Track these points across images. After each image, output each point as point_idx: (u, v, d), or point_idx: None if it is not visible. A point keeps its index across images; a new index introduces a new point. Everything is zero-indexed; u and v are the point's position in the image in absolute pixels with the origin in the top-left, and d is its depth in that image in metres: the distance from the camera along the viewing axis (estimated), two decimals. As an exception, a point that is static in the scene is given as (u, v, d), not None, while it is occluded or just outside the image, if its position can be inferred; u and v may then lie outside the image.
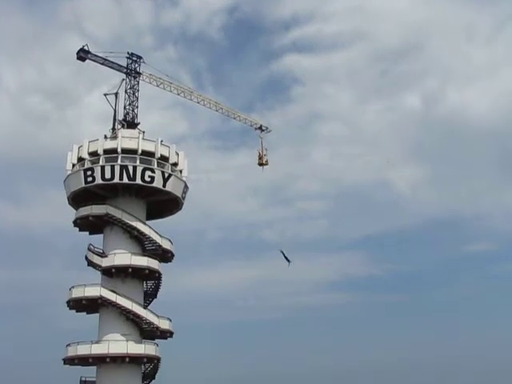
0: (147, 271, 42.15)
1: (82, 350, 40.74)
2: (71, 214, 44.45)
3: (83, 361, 41.18)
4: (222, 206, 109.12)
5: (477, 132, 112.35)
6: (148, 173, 42.27)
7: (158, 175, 42.72)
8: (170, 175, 43.54)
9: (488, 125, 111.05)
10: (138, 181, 41.73)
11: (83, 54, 44.21)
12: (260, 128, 48.49)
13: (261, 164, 47.13)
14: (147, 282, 44.34)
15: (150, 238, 43.35)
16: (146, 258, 42.35)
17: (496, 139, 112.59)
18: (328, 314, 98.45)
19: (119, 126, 45.04)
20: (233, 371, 79.25)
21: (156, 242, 43.69)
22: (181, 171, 45.57)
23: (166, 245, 44.50)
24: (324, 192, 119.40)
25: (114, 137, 43.92)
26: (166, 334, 43.75)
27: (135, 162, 42.30)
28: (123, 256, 41.92)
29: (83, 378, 41.79)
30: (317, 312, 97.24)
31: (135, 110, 45.83)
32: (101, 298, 40.76)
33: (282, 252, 41.70)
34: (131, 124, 45.61)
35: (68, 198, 44.28)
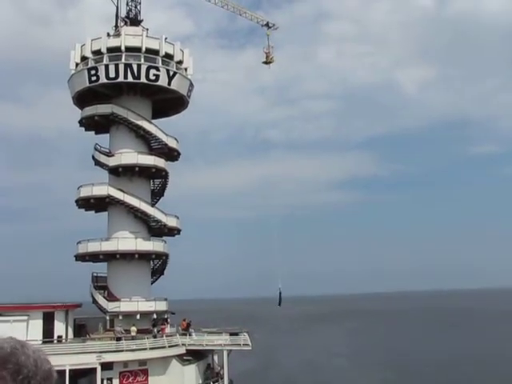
0: (154, 170, 47.57)
1: (93, 247, 47.31)
2: (77, 114, 50.12)
3: (94, 257, 47.60)
4: (228, 105, 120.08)
5: (488, 32, 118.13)
6: (153, 71, 47.03)
7: (162, 73, 47.35)
8: (174, 73, 48.33)
9: (500, 25, 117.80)
10: (143, 79, 46.32)
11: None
12: (267, 25, 53.42)
13: (267, 62, 51.62)
14: (154, 180, 49.88)
15: (155, 136, 48.62)
16: (152, 157, 47.70)
17: (508, 40, 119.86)
18: (332, 213, 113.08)
19: (122, 24, 50.00)
20: (237, 266, 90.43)
21: (162, 141, 49.08)
22: (186, 69, 50.37)
23: (172, 143, 50.00)
24: (330, 92, 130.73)
25: (117, 34, 48.54)
26: (173, 231, 49.74)
27: (139, 60, 46.71)
28: (130, 155, 47.32)
29: (95, 274, 48.66)
30: (318, 211, 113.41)
31: (138, 7, 50.94)
32: (108, 196, 46.47)
33: (280, 293, 44.58)
34: (134, 21, 50.52)
35: (73, 98, 49.54)
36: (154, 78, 47.26)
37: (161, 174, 49.44)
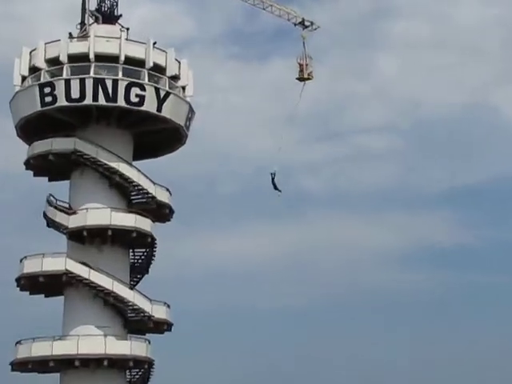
0: (135, 235, 41.61)
1: (40, 349, 40.58)
2: (22, 151, 44.00)
3: (41, 366, 41.16)
4: (245, 141, 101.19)
5: None
6: (135, 90, 41.38)
7: (149, 93, 41.79)
8: (167, 94, 42.18)
9: None
10: (121, 102, 41.10)
11: None
12: (302, 24, 47.09)
13: (302, 78, 45.29)
14: (135, 250, 44.25)
15: (138, 186, 42.62)
16: (132, 216, 41.93)
17: None
18: (395, 301, 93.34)
19: (91, 21, 44.14)
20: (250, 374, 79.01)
21: (147, 193, 42.87)
22: (184, 88, 44.21)
23: (162, 196, 43.64)
24: (394, 122, 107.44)
25: (84, 36, 42.66)
26: (161, 327, 43.79)
27: (116, 74, 41.41)
28: (100, 212, 41.69)
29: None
30: (377, 298, 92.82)
31: (114, -2, 45.65)
32: (67, 273, 40.48)
33: (273, 177, 43.41)
34: (109, 17, 44.66)
35: (16, 128, 43.51)
36: (136, 100, 41.43)
37: (145, 241, 42.77)
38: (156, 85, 42.28)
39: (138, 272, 44.44)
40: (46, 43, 42.75)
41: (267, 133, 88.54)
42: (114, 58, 41.87)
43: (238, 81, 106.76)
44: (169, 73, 43.47)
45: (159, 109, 42.19)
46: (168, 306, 44.05)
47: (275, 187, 43.54)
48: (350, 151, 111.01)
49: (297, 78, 45.49)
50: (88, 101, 40.81)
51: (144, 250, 44.24)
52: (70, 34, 43.55)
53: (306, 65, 45.46)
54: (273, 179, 43.26)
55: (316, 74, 46.12)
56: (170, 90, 42.93)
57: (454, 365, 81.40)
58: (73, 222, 41.63)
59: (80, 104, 41.11)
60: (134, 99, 41.43)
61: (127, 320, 42.32)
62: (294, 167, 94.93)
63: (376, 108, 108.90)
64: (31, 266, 41.43)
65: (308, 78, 45.40)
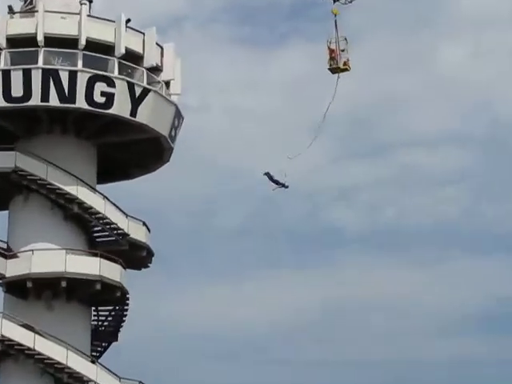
0: (99, 287, 36.97)
1: None
2: None
3: None
4: (251, 157, 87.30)
5: None
6: (101, 86, 36.97)
7: (120, 91, 37.27)
8: (145, 91, 37.97)
9: None
10: (81, 103, 36.72)
11: None
12: None
13: (335, 69, 37.68)
14: (99, 308, 40.03)
15: (104, 218, 38.18)
16: (96, 261, 37.36)
17: None
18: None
19: None
20: None
21: (117, 228, 38.30)
22: (168, 84, 40.02)
23: (137, 233, 39.11)
24: (457, 131, 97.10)
25: (30, 11, 39.13)
26: None
27: (74, 64, 37.16)
28: (50, 256, 37.40)
29: None
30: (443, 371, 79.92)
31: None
32: (2, 340, 35.88)
33: (270, 176, 39.24)
34: None
35: None
36: (102, 100, 37.13)
37: (113, 296, 38.27)
38: (129, 79, 37.80)
39: (102, 338, 40.41)
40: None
41: (283, 146, 74.94)
42: (71, 42, 37.77)
43: (243, 74, 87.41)
44: (147, 62, 39.35)
45: (134, 112, 37.59)
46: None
47: (278, 183, 38.93)
48: (396, 171, 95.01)
49: (329, 69, 37.86)
50: (35, 101, 36.77)
51: (112, 308, 39.67)
52: (10, 7, 39.92)
53: (341, 51, 37.63)
54: (271, 178, 38.32)
55: (353, 63, 38.13)
56: (149, 87, 38.35)
57: None
58: (12, 268, 37.15)
59: (24, 105, 37.18)
60: (98, 99, 37.10)
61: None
62: (320, 193, 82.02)
63: (434, 111, 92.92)
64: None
65: (344, 69, 37.68)
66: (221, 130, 78.70)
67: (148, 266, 40.78)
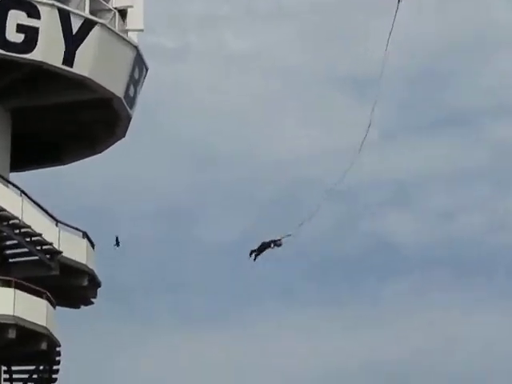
0: (12, 334, 28.06)
1: None
2: None
3: None
4: (261, 132, 73.98)
5: None
6: (18, 16, 28.74)
7: (48, 24, 29.05)
8: (88, 25, 29.52)
9: None
10: None
11: None
12: None
13: None
14: (12, 368, 30.85)
15: (21, 227, 29.25)
16: (9, 293, 28.71)
17: None
18: None
19: None
20: None
21: (41, 242, 29.06)
22: (123, 14, 31.36)
23: (73, 251, 29.53)
24: None
25: None
26: None
27: None
28: None
29: None
30: None
31: None
32: None
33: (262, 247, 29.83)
34: None
35: None
36: (19, 38, 29.19)
37: (35, 349, 29.62)
38: (63, 5, 29.09)
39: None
40: None
41: (313, 115, 58.83)
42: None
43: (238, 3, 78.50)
44: (88, -17, 33.40)
45: (69, 59, 29.14)
46: None
47: (269, 245, 27.93)
48: (489, 154, 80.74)
49: None
50: None
51: (34, 367, 30.39)
52: None
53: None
54: (261, 249, 27.57)
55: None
56: (94, 18, 29.59)
57: None
58: None
59: None
60: (13, 37, 28.75)
61: None
62: (372, 186, 65.46)
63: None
64: None
65: None
66: (209, 86, 60.24)
67: (92, 303, 30.87)
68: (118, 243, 32.32)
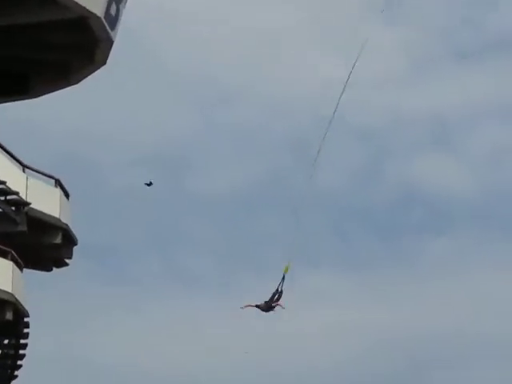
0: None
1: None
2: None
3: None
4: (258, 66, 72.02)
5: None
6: None
7: None
8: None
9: None
10: None
11: None
12: None
13: None
14: None
15: None
16: None
17: None
18: None
19: None
20: None
21: (6, 191, 26.51)
22: None
23: (44, 202, 26.89)
24: None
25: None
26: None
27: None
28: None
29: None
30: None
31: None
32: None
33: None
34: None
35: None
36: None
37: (4, 324, 27.48)
38: None
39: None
40: None
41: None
42: None
43: None
44: None
45: None
46: None
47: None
48: None
49: None
50: None
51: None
52: None
53: None
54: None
55: None
56: None
57: None
58: None
59: None
60: None
61: None
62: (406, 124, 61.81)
63: None
64: None
65: None
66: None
67: (66, 264, 27.92)
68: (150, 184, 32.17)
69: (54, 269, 27.63)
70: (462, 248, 55.36)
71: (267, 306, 23.21)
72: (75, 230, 26.36)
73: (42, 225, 25.98)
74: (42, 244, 26.60)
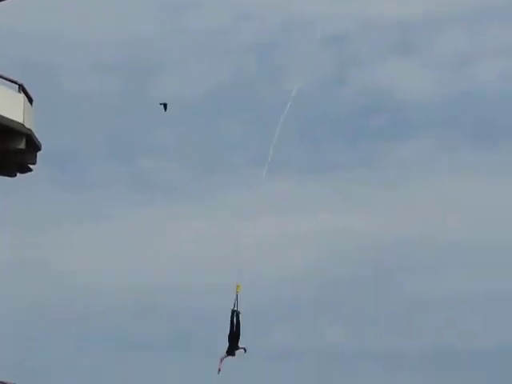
0: None
1: None
2: None
3: None
4: None
5: None
6: None
7: None
8: None
9: None
10: None
11: None
12: None
13: None
14: None
15: None
16: None
17: None
18: None
19: None
20: None
21: None
22: None
23: (7, 107, 26.12)
24: None
25: None
26: None
27: None
28: None
29: None
30: None
31: None
32: None
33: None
34: None
35: None
36: None
37: None
38: None
39: None
40: None
41: None
42: None
43: None
44: None
45: None
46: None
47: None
48: None
49: None
50: None
51: None
52: None
53: None
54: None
55: None
56: None
57: None
58: None
59: None
60: None
61: None
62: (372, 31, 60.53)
63: None
64: None
65: None
66: None
67: (30, 170, 27.32)
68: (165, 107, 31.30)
69: (18, 174, 27.14)
70: (428, 153, 55.29)
71: (231, 352, 22.56)
72: (38, 136, 26.02)
73: (6, 130, 25.23)
74: (5, 149, 25.73)
